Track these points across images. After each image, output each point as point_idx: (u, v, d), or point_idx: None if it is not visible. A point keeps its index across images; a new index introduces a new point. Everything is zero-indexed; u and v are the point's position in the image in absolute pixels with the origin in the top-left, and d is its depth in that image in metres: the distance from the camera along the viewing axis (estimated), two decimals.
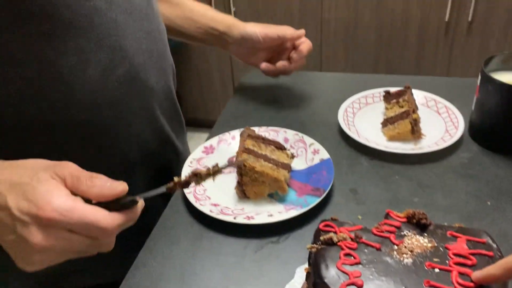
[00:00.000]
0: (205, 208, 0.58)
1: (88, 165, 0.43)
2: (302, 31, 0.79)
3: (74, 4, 0.50)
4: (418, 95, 0.79)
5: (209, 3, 1.93)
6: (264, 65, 0.81)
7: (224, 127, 0.77)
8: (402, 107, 0.74)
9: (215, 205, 0.60)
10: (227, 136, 0.73)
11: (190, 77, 2.23)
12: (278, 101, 0.85)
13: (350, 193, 0.62)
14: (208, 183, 0.51)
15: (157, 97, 0.65)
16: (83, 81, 0.53)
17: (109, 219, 0.40)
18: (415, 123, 0.69)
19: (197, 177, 0.44)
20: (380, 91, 0.81)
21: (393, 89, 0.78)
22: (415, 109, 0.72)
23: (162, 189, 0.43)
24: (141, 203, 0.43)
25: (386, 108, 0.77)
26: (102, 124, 0.57)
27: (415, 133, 0.70)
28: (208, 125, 2.08)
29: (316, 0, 1.85)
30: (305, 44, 0.79)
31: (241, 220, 0.56)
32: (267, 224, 0.56)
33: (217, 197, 0.62)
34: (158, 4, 0.70)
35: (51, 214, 0.37)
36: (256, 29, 0.79)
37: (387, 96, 0.78)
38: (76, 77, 0.52)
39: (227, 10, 1.94)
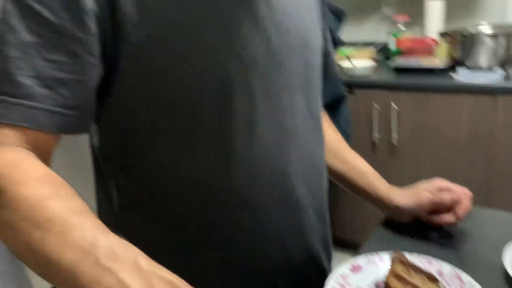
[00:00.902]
0: None
1: (230, 265, 0.47)
2: (462, 197, 0.76)
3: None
4: None
5: (370, 133, 1.99)
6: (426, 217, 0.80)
7: (373, 248, 0.75)
8: None
9: None
10: (376, 257, 0.71)
11: (341, 195, 2.24)
12: (434, 229, 0.81)
13: None
14: None
15: (309, 215, 0.68)
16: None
17: None
18: None
19: None
20: None
21: None
22: None
23: None
24: None
25: None
26: (251, 226, 0.62)
27: None
28: (352, 246, 2.02)
29: (487, 130, 1.77)
30: (467, 198, 0.76)
31: None
32: None
33: None
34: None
35: None
36: (409, 201, 0.79)
37: None
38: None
39: (388, 137, 1.97)
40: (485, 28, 1.97)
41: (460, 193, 0.76)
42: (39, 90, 0.48)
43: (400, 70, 1.98)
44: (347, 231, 2.28)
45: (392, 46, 2.25)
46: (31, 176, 0.47)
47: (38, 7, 0.48)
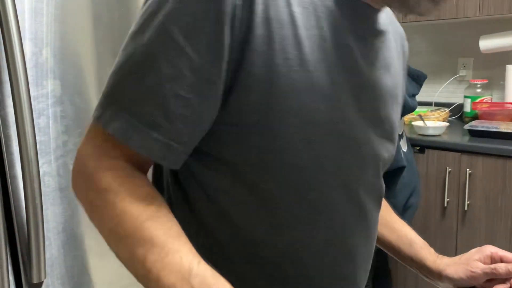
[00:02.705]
0: None
1: None
2: None
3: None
4: None
5: (441, 195, 1.92)
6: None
7: None
8: None
9: None
10: None
11: None
12: None
13: None
14: None
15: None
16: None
17: None
18: None
19: None
20: None
21: None
22: None
23: None
24: None
25: None
26: None
27: None
28: None
29: None
30: None
31: None
32: None
33: None
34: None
35: None
36: (460, 273, 0.75)
37: None
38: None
39: (459, 202, 1.88)
40: None
41: None
42: (162, 122, 0.50)
43: (474, 133, 1.91)
44: None
45: (468, 108, 2.19)
46: (137, 194, 0.51)
47: (184, 43, 0.49)
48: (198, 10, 0.48)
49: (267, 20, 0.50)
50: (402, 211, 1.69)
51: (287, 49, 0.51)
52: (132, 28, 0.53)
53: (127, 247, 0.50)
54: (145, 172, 0.57)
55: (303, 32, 0.52)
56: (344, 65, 0.56)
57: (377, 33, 0.61)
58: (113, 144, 0.53)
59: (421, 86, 1.70)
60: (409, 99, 1.59)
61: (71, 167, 1.11)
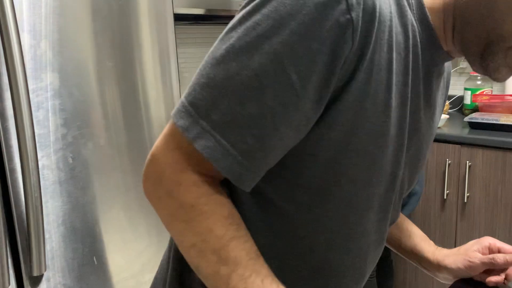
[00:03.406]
0: None
1: None
2: None
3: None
4: None
5: (441, 187, 1.92)
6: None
7: None
8: None
9: None
10: None
11: None
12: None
13: None
14: None
15: None
16: None
17: None
18: None
19: None
20: None
21: None
22: None
23: None
24: None
25: None
26: None
27: None
28: None
29: None
30: None
31: None
32: None
33: None
34: None
35: None
36: (459, 263, 0.77)
37: None
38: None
39: (458, 194, 1.88)
40: None
41: None
42: (257, 152, 0.50)
43: (474, 125, 1.91)
44: None
45: (468, 100, 2.19)
46: (221, 213, 0.53)
47: (295, 80, 0.47)
48: (315, 48, 0.46)
49: (371, 64, 0.49)
50: (408, 198, 1.72)
51: (378, 94, 0.51)
52: (233, 36, 0.49)
53: (211, 264, 0.52)
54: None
55: (394, 78, 0.53)
56: (411, 110, 0.58)
57: (440, 76, 0.63)
58: (198, 160, 0.52)
59: None
60: None
61: (70, 160, 1.11)
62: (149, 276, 1.33)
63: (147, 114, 1.31)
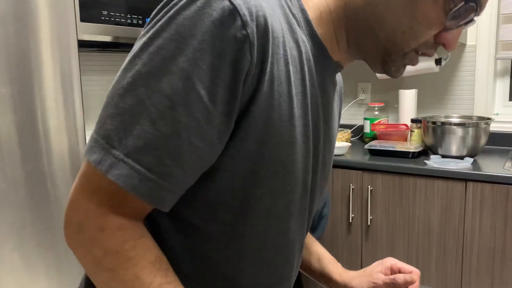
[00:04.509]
0: None
1: None
2: (414, 277, 0.78)
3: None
4: None
5: (346, 211, 2.01)
6: None
7: None
8: None
9: None
10: None
11: None
12: None
13: None
14: None
15: None
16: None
17: None
18: None
19: None
20: None
21: None
22: None
23: None
24: None
25: None
26: None
27: None
28: None
29: (458, 215, 1.82)
30: (418, 277, 0.79)
31: None
32: None
33: None
34: None
35: None
36: (364, 284, 0.81)
37: None
38: None
39: (362, 217, 1.99)
40: (454, 119, 2.10)
41: (413, 273, 0.79)
42: (175, 170, 0.49)
43: (374, 152, 2.05)
44: None
45: (367, 129, 2.35)
46: (148, 259, 0.51)
47: (203, 93, 0.48)
48: (217, 63, 0.48)
49: (272, 77, 0.52)
50: (318, 221, 1.81)
51: (281, 105, 0.54)
52: (137, 63, 0.49)
53: None
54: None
55: (293, 89, 0.55)
56: (313, 119, 0.61)
57: (334, 87, 0.68)
58: (122, 198, 0.49)
59: None
60: None
61: None
62: None
63: (47, 143, 1.22)
